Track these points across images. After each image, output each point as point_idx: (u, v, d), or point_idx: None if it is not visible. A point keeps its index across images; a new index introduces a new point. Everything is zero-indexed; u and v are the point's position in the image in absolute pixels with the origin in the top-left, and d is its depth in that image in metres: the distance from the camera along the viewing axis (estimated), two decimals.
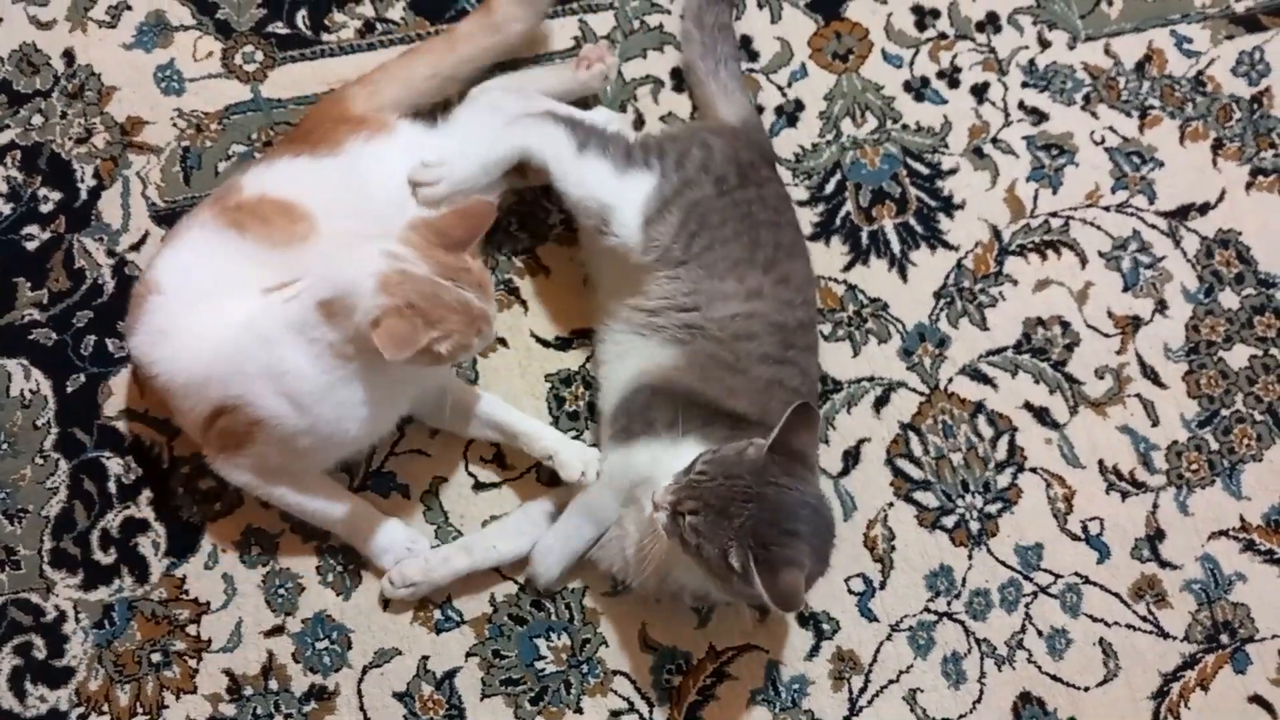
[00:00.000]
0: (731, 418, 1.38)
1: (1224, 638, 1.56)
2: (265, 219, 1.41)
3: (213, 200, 1.46)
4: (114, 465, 1.54)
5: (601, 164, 1.46)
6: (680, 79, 1.69)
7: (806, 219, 1.65)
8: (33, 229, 1.61)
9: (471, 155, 1.48)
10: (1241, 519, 1.60)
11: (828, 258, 1.65)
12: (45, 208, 1.62)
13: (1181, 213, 1.70)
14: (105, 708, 1.48)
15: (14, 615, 1.50)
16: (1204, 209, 1.70)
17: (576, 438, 1.55)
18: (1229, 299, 1.67)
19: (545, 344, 1.60)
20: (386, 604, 1.51)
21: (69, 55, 1.67)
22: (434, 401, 1.49)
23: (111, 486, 1.54)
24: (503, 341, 1.60)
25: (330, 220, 1.42)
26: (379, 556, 1.49)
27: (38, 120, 1.65)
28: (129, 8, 1.68)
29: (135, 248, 1.60)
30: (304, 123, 1.55)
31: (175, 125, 1.65)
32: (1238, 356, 1.65)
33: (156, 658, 1.49)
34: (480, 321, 1.31)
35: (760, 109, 1.69)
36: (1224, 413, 1.63)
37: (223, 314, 1.36)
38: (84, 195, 1.62)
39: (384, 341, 1.22)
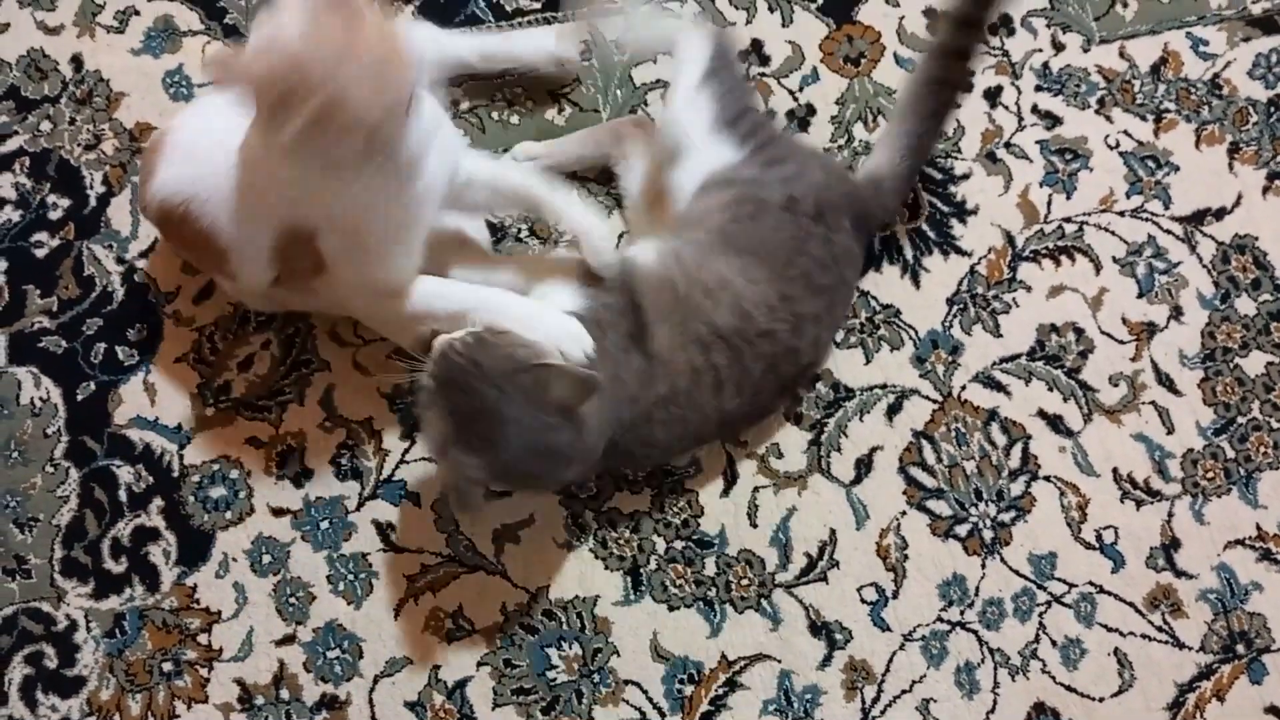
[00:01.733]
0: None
1: (1240, 648, 1.55)
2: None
3: None
4: (124, 473, 1.54)
5: (707, 109, 1.44)
6: None
7: None
8: (42, 236, 1.61)
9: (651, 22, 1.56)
10: (1258, 528, 1.58)
11: None
12: (54, 214, 1.62)
13: (1197, 217, 1.68)
14: (116, 717, 1.48)
15: (25, 624, 1.50)
16: (1220, 214, 1.68)
17: None
18: (1245, 305, 1.65)
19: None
20: (397, 613, 1.51)
21: (77, 61, 1.66)
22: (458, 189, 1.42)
23: (122, 495, 1.54)
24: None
25: None
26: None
27: (46, 126, 1.64)
28: (137, 13, 1.68)
29: (145, 254, 1.60)
30: None
31: None
32: (1254, 363, 1.64)
33: (168, 667, 1.49)
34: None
35: (772, 114, 1.68)
36: (1240, 420, 1.62)
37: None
38: (93, 202, 1.62)
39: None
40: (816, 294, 1.45)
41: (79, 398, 1.56)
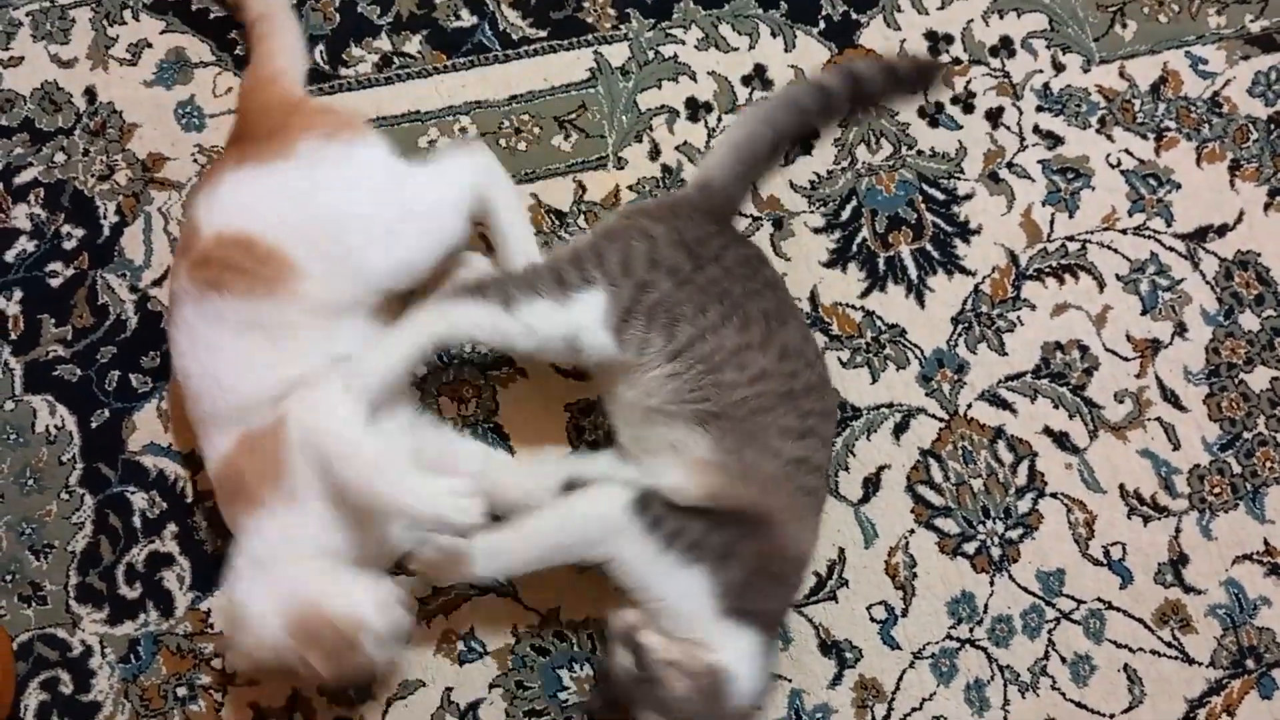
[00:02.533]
0: (756, 538, 1.36)
1: (1250, 663, 1.55)
2: (235, 267, 1.33)
3: (180, 255, 1.41)
4: (139, 500, 1.55)
5: (540, 305, 1.36)
6: (695, 109, 1.70)
7: (823, 246, 1.66)
8: (56, 266, 1.63)
9: (378, 363, 1.36)
10: (1265, 543, 1.59)
11: (844, 284, 1.65)
12: (68, 244, 1.64)
13: (1199, 234, 1.69)
14: None
15: (40, 650, 1.51)
16: (1222, 230, 1.70)
17: None
18: (1249, 321, 1.66)
19: (564, 373, 1.61)
20: (409, 636, 1.52)
21: (90, 93, 1.69)
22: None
23: (136, 521, 1.55)
24: (522, 372, 1.61)
25: (295, 239, 1.34)
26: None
27: (60, 158, 1.67)
28: (149, 45, 1.71)
29: (157, 283, 1.62)
30: (242, 118, 1.49)
31: (196, 161, 1.66)
32: (1259, 378, 1.64)
33: (182, 692, 1.50)
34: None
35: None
36: (1246, 435, 1.62)
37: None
38: (106, 231, 1.64)
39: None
40: (783, 321, 1.44)
41: (93, 425, 1.58)
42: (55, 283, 1.62)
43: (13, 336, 1.60)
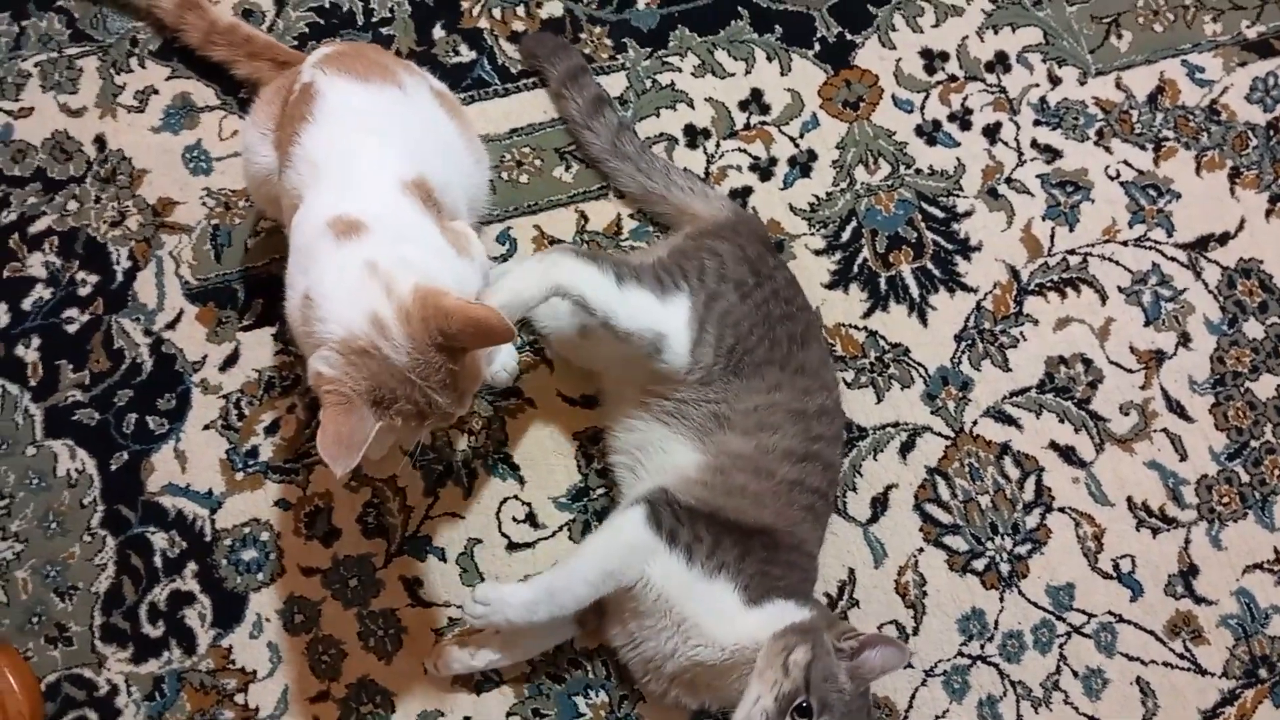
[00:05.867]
0: (762, 535, 1.38)
1: (1263, 672, 1.56)
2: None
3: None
4: (159, 540, 1.58)
5: (644, 295, 1.40)
6: (693, 135, 1.72)
7: (824, 267, 1.67)
8: (72, 312, 1.66)
9: (504, 289, 1.38)
10: (1276, 551, 1.59)
11: (846, 305, 1.67)
12: (83, 291, 1.67)
13: (1201, 244, 1.69)
14: None
15: (68, 691, 1.54)
16: (1224, 239, 1.70)
17: (605, 493, 1.58)
18: (1253, 329, 1.66)
19: (571, 402, 1.63)
20: (427, 667, 1.54)
21: (100, 141, 1.72)
22: None
23: (157, 560, 1.58)
24: (530, 401, 1.63)
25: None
26: None
27: (73, 206, 1.70)
28: (156, 92, 1.74)
29: (171, 325, 1.65)
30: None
31: (204, 204, 1.69)
32: (1265, 386, 1.65)
33: None
34: (431, 421, 1.22)
35: (773, 160, 1.71)
36: (1253, 444, 1.63)
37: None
38: (120, 277, 1.67)
39: (324, 443, 1.13)
40: (804, 344, 1.48)
41: (113, 468, 1.61)
42: (71, 329, 1.66)
43: (32, 383, 1.63)
